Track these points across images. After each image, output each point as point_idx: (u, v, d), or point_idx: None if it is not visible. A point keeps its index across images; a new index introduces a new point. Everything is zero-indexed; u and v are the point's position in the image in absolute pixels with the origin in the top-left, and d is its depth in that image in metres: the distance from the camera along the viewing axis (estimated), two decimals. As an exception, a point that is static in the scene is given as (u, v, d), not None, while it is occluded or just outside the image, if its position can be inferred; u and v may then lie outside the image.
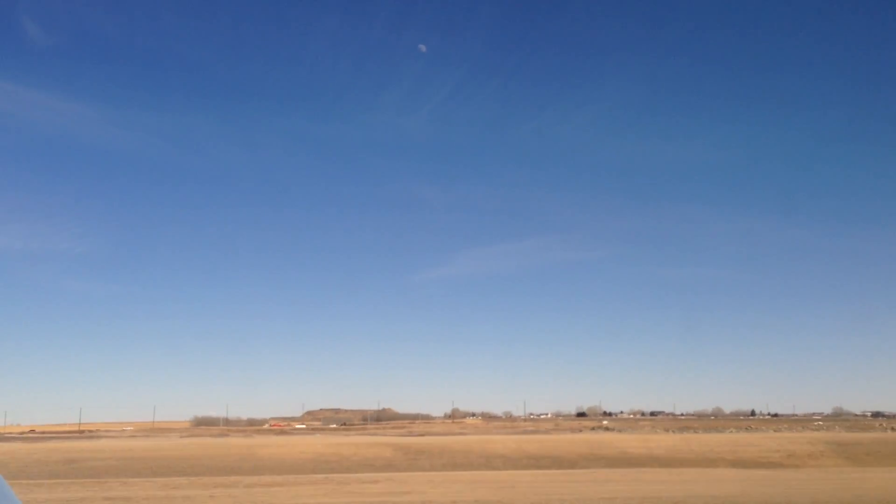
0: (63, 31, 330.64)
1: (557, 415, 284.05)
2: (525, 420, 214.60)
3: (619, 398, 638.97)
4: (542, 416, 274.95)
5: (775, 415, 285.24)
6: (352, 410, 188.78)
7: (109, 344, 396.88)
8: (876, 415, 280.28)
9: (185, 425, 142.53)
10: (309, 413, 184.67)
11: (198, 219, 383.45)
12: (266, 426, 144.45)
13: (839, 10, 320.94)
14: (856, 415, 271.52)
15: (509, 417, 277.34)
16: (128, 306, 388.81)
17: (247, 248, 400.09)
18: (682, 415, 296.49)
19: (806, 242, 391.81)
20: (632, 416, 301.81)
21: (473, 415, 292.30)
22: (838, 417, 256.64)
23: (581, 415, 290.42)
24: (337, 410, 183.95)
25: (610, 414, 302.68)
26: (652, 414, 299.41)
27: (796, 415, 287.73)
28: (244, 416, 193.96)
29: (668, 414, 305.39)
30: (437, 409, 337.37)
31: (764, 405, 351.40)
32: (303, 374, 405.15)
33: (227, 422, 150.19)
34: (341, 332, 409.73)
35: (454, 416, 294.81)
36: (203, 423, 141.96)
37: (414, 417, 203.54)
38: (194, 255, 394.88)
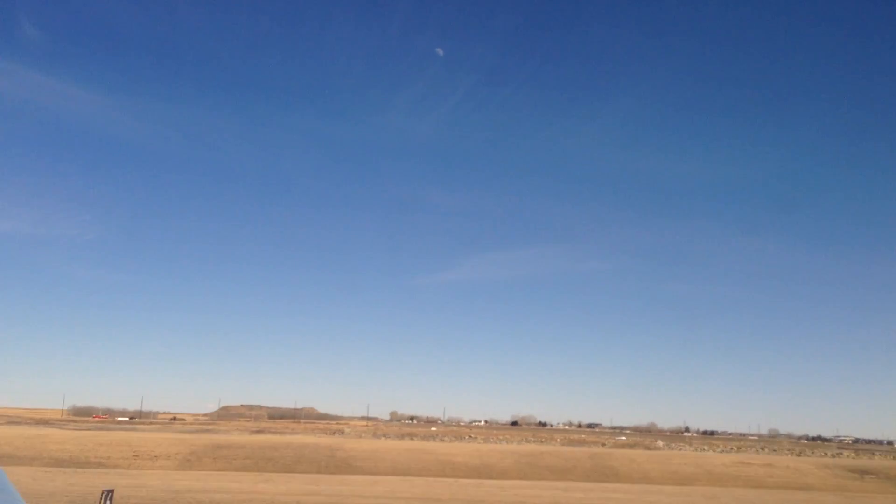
0: (80, 19, 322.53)
1: (490, 423, 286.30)
2: (437, 426, 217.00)
3: (608, 410, 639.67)
4: (472, 424, 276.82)
5: (711, 432, 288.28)
6: (269, 407, 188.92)
7: (112, 331, 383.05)
8: (814, 439, 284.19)
9: (57, 413, 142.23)
10: (224, 408, 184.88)
11: (205, 212, 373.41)
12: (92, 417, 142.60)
13: (846, 36, 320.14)
14: (795, 438, 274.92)
15: (446, 422, 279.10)
16: (133, 295, 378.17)
17: (251, 243, 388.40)
18: (612, 428, 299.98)
19: (805, 264, 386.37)
20: (567, 427, 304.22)
21: (412, 419, 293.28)
22: (775, 438, 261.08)
23: (514, 423, 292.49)
24: (251, 406, 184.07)
25: (544, 424, 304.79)
26: (589, 426, 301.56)
27: (730, 433, 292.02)
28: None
29: (609, 427, 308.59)
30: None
31: (754, 425, 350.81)
32: (298, 370, 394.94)
33: (108, 412, 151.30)
34: (340, 332, 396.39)
35: (375, 417, 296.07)
36: (80, 414, 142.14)
37: (334, 418, 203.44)
38: (200, 248, 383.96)
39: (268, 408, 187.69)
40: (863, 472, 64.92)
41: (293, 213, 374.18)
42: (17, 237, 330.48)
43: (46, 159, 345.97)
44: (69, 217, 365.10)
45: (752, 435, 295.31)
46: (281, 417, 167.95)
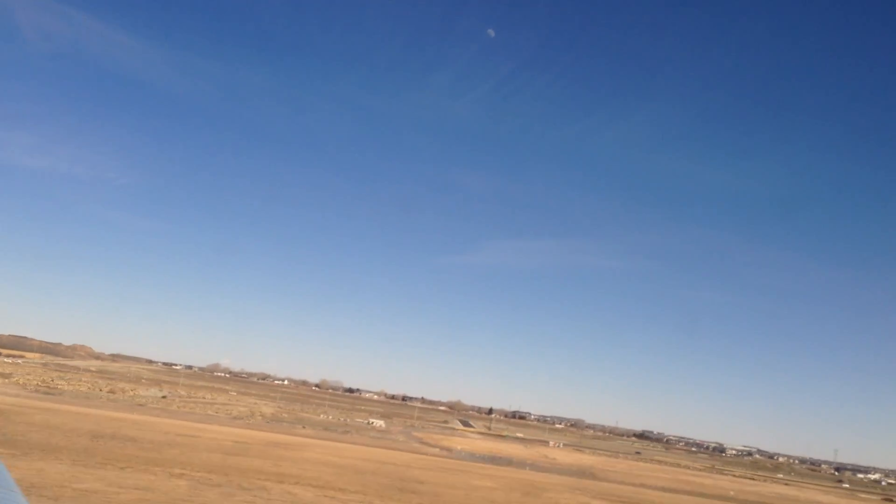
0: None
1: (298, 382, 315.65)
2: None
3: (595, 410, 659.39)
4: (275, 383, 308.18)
5: (539, 420, 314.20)
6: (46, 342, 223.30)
7: (132, 274, 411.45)
8: (639, 433, 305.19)
9: None
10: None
11: (237, 169, 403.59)
12: None
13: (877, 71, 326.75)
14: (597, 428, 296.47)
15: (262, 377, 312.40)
16: (161, 241, 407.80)
17: (278, 202, 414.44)
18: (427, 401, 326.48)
19: (823, 282, 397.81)
20: (376, 396, 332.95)
21: (208, 369, 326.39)
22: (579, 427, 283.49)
23: (316, 386, 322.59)
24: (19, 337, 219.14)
25: (351, 390, 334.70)
26: (403, 399, 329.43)
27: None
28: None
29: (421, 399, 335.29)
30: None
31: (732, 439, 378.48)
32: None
33: None
34: (345, 303, 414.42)
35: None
36: None
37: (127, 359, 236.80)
38: (228, 202, 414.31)
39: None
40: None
41: (323, 178, 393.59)
42: (54, 175, 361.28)
43: (89, 102, 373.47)
44: (106, 161, 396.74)
45: (557, 421, 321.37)
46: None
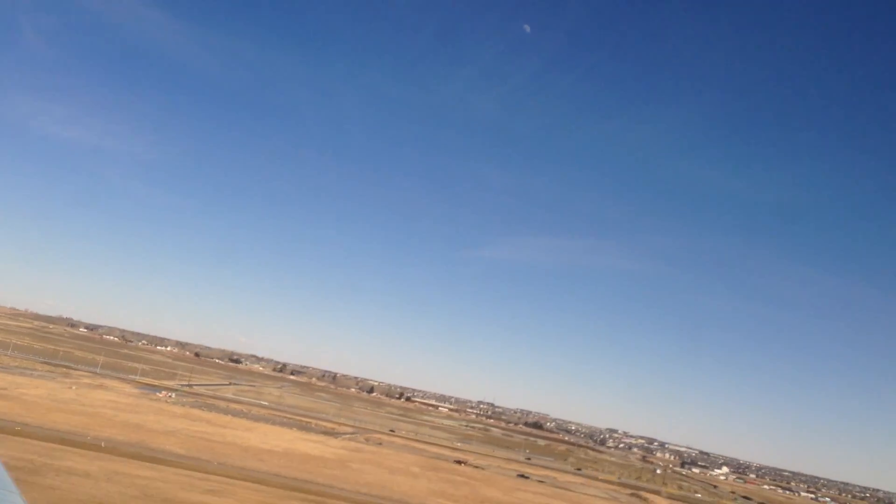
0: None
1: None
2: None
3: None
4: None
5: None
6: None
7: (154, 249, 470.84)
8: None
9: None
10: None
11: (262, 150, 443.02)
12: None
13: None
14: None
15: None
16: (184, 217, 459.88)
17: (301, 186, 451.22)
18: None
19: (849, 298, 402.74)
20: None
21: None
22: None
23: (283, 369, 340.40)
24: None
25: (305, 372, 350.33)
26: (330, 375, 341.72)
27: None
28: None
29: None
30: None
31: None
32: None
33: None
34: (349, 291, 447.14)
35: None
36: None
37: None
38: (251, 183, 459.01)
39: None
40: None
41: (348, 167, 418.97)
42: (83, 146, 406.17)
43: (121, 76, 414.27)
44: (134, 135, 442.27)
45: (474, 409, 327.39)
46: None
